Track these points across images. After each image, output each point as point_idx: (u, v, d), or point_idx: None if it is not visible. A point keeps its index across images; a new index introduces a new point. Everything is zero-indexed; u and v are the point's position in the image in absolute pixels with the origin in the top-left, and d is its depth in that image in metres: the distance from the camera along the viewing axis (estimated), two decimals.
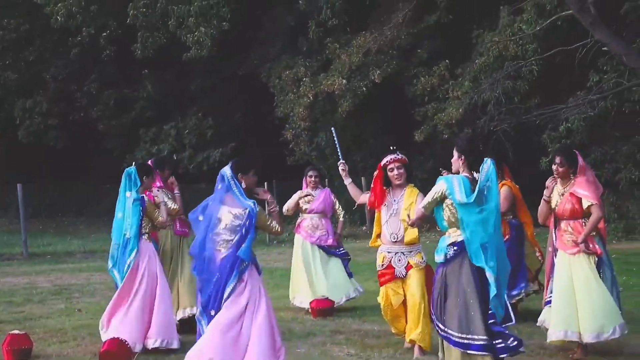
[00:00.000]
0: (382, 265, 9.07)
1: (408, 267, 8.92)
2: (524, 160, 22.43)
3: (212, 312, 7.46)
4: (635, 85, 20.11)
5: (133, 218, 9.30)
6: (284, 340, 9.72)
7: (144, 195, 9.60)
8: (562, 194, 8.78)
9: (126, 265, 9.30)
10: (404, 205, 8.86)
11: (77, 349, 9.60)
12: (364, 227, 27.71)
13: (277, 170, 29.06)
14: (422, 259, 8.99)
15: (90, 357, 9.04)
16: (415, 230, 8.78)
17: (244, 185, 7.62)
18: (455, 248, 7.22)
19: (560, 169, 8.77)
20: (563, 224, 8.80)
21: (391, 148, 8.98)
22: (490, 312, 7.15)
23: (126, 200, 9.42)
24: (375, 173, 9.16)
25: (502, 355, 7.06)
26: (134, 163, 9.86)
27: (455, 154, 7.46)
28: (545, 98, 22.49)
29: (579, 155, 8.83)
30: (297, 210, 12.68)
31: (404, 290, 9.06)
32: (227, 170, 7.69)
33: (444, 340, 7.25)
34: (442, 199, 7.27)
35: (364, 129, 29.45)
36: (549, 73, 22.48)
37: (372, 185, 9.18)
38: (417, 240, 8.97)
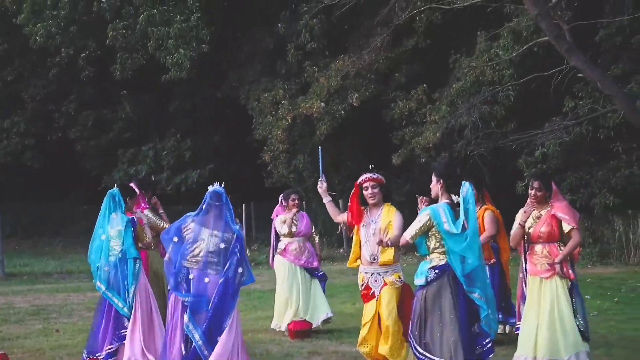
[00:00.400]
0: (362, 285, 9.03)
1: (383, 285, 8.83)
2: (500, 185, 22.62)
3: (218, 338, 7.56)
4: (609, 112, 20.38)
5: (127, 240, 9.34)
6: None
7: (134, 217, 9.66)
8: (538, 217, 8.88)
9: (132, 288, 9.33)
10: (382, 225, 8.76)
11: None
12: (342, 250, 27.79)
13: (255, 192, 29.19)
14: (400, 278, 8.88)
15: None
16: (390, 251, 8.69)
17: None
18: (436, 271, 7.35)
19: (539, 194, 8.86)
20: (538, 247, 8.86)
21: (370, 167, 9.05)
22: (478, 331, 7.32)
23: (110, 222, 9.45)
24: (352, 191, 9.13)
25: None
26: (116, 185, 9.91)
27: (434, 178, 7.61)
28: (521, 123, 22.72)
29: (552, 182, 9.01)
30: (278, 234, 12.68)
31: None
32: (221, 189, 7.80)
33: None
34: (429, 228, 7.42)
35: (342, 152, 29.59)
36: (525, 98, 22.72)
37: (349, 204, 9.21)
38: (391, 262, 8.82)
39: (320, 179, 9.39)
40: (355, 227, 8.97)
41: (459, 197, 7.46)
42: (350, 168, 29.41)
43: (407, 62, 26.30)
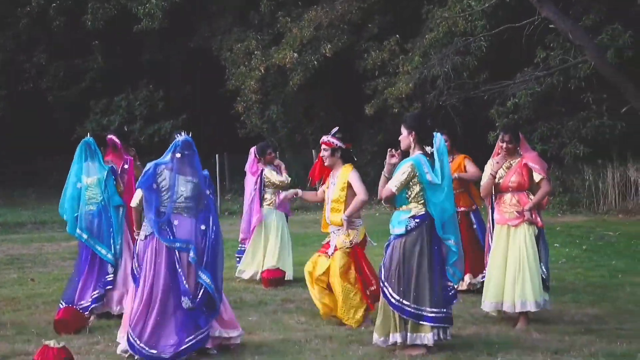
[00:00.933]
0: (324, 242, 9.48)
1: (335, 248, 9.12)
2: (472, 135, 22.79)
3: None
4: (580, 62, 20.50)
5: (110, 188, 9.42)
6: (237, 309, 10.00)
7: (112, 165, 9.71)
8: (508, 167, 9.00)
9: (119, 236, 9.45)
10: (338, 185, 9.13)
11: (32, 317, 9.71)
12: None
13: (228, 142, 29.21)
14: (349, 240, 9.05)
15: (45, 325, 9.14)
16: (338, 215, 9.01)
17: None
18: (416, 220, 7.56)
19: (510, 146, 8.97)
20: (507, 196, 8.99)
21: (334, 130, 9.29)
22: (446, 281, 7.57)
23: (86, 170, 9.50)
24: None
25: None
26: (89, 134, 9.93)
27: (405, 130, 7.73)
28: (493, 74, 22.83)
29: (519, 133, 9.14)
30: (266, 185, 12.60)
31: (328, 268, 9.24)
32: (192, 140, 7.89)
33: (393, 311, 7.54)
34: (412, 179, 7.57)
35: (315, 102, 29.66)
36: (497, 49, 22.81)
37: (314, 168, 9.57)
38: (340, 224, 9.05)
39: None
40: (323, 188, 9.35)
41: (432, 148, 7.61)
42: (323, 119, 29.47)
43: (380, 12, 26.26)
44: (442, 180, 7.56)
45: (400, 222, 7.66)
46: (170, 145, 7.89)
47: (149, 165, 7.88)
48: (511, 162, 8.99)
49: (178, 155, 7.78)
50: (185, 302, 7.61)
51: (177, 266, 7.63)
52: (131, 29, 28.07)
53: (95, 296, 9.34)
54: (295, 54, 24.94)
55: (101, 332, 8.82)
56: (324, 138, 9.26)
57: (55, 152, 30.85)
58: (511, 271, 8.76)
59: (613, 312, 9.47)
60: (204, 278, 7.70)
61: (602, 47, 19.96)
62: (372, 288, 8.92)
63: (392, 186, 7.64)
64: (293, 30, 25.18)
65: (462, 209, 10.92)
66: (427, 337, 7.49)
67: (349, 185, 9.01)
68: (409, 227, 7.58)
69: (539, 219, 8.83)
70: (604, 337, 8.18)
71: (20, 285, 12.26)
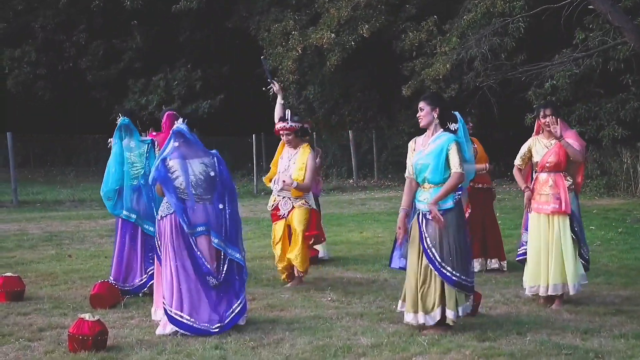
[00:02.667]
0: (272, 206, 10.22)
1: (292, 209, 10.02)
2: (509, 117, 22.74)
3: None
4: (619, 44, 20.33)
5: (152, 160, 9.50)
6: (269, 286, 10.13)
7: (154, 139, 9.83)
8: (548, 147, 8.95)
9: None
10: (298, 165, 9.99)
11: (68, 292, 9.87)
12: (351, 180, 28.04)
13: (265, 123, 29.28)
14: (307, 202, 10.11)
15: (81, 300, 9.31)
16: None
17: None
18: (459, 193, 7.67)
19: (553, 118, 8.87)
20: (543, 176, 8.96)
21: (288, 113, 10.18)
22: None
23: (128, 149, 9.66)
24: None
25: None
26: (120, 114, 10.03)
27: (428, 107, 7.76)
28: (531, 55, 22.73)
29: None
30: None
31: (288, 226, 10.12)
32: (183, 127, 7.95)
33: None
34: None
35: (352, 83, 29.70)
36: (536, 30, 22.70)
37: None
38: (301, 195, 10.03)
39: (271, 82, 10.68)
40: (277, 155, 10.35)
41: (455, 124, 7.68)
42: (360, 99, 29.57)
43: None
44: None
45: (448, 197, 7.72)
46: (170, 135, 8.00)
47: (157, 161, 7.97)
48: (550, 141, 8.94)
49: (176, 144, 7.88)
50: (211, 281, 7.76)
51: (195, 249, 7.74)
52: (169, 9, 28.28)
53: (151, 272, 9.38)
54: (333, 35, 24.97)
55: (136, 307, 8.96)
56: (284, 124, 10.09)
57: (94, 131, 31.17)
58: (547, 255, 8.76)
59: None
60: (233, 254, 7.86)
61: None
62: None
63: (460, 169, 7.61)
64: (330, 10, 25.18)
65: (484, 185, 11.13)
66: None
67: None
68: (456, 200, 7.68)
69: (570, 206, 8.76)
70: (635, 318, 8.17)
71: (58, 261, 12.45)
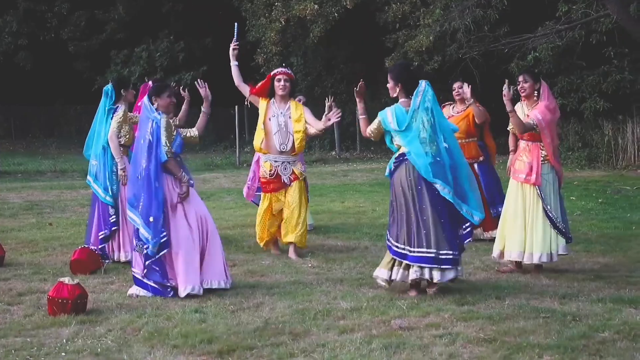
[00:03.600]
0: (270, 173, 9.86)
1: (294, 176, 9.83)
2: (492, 88, 22.67)
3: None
4: (602, 16, 20.38)
5: (107, 128, 9.54)
6: (250, 253, 10.15)
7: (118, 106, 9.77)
8: (527, 115, 8.94)
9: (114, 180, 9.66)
10: (293, 117, 9.81)
11: (49, 258, 9.87)
12: (333, 152, 28.04)
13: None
14: (302, 167, 10.12)
15: (62, 265, 9.30)
16: (303, 141, 9.84)
17: (156, 105, 8.05)
18: (395, 162, 7.80)
19: (526, 85, 8.87)
20: (522, 145, 9.00)
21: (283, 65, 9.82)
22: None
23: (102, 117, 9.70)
24: (263, 81, 10.11)
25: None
26: (110, 81, 10.07)
27: (391, 82, 7.87)
28: (514, 27, 22.71)
29: (544, 83, 8.99)
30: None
31: (285, 198, 9.91)
32: (145, 100, 8.12)
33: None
34: (382, 129, 7.93)
35: (335, 54, 29.63)
36: (519, 2, 22.65)
37: (258, 85, 10.10)
38: (302, 150, 10.03)
39: (234, 44, 10.38)
40: (263, 118, 9.87)
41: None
42: (343, 71, 29.50)
43: None
44: (428, 124, 7.69)
45: (388, 164, 7.89)
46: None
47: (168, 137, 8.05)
48: (529, 108, 8.93)
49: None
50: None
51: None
52: None
53: (101, 237, 9.53)
54: (316, 6, 24.86)
55: (116, 272, 8.98)
56: (284, 70, 10.01)
57: (76, 102, 31.03)
58: (521, 223, 8.80)
59: (624, 261, 9.52)
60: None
61: (625, 0, 19.80)
62: None
63: (368, 130, 8.08)
64: None
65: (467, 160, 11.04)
66: (408, 273, 7.77)
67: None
68: (391, 168, 7.89)
69: (540, 177, 8.79)
70: (613, 283, 8.24)
71: (39, 229, 12.43)
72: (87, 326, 6.76)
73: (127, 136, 9.59)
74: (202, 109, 8.47)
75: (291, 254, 9.89)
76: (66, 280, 7.25)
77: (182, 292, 7.76)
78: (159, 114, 8.02)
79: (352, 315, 7.04)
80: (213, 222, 8.22)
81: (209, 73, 29.55)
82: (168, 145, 7.90)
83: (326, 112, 9.51)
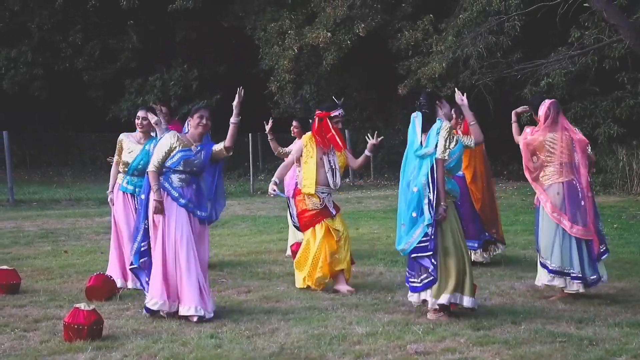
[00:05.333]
0: (321, 204, 9.69)
1: (335, 207, 9.85)
2: (505, 115, 22.71)
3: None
4: (615, 42, 20.41)
5: None
6: (265, 279, 10.15)
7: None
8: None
9: None
10: (338, 156, 9.86)
11: (64, 285, 9.89)
12: (347, 179, 28.04)
13: (261, 122, 29.31)
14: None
15: (77, 292, 9.32)
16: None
17: (190, 127, 8.35)
18: None
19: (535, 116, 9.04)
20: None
21: (336, 101, 9.71)
22: None
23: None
24: (321, 122, 9.73)
25: None
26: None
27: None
28: (526, 53, 22.80)
29: (544, 105, 9.01)
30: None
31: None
32: None
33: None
34: None
35: (348, 82, 29.73)
36: (531, 29, 22.73)
37: (329, 132, 9.69)
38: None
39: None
40: (312, 155, 9.71)
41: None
42: (356, 98, 29.58)
43: None
44: None
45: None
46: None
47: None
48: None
49: None
50: None
51: None
52: (165, 8, 28.29)
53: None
54: (329, 34, 25.02)
55: (131, 299, 8.98)
56: (341, 111, 9.78)
57: (90, 131, 31.17)
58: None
59: None
60: None
61: (638, 26, 19.84)
62: None
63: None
64: (327, 9, 25.24)
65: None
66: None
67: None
68: None
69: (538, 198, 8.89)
70: (629, 308, 8.23)
71: (54, 256, 12.45)
72: (103, 352, 6.78)
73: None
74: (231, 119, 8.38)
75: (342, 285, 9.53)
76: (82, 306, 7.28)
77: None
78: (166, 130, 8.39)
79: (368, 340, 7.04)
80: (191, 247, 8.05)
81: (223, 101, 29.69)
82: (157, 159, 8.12)
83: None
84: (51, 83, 33.61)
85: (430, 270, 7.72)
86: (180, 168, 8.12)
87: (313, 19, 26.48)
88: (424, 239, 7.72)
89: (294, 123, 12.80)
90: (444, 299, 7.74)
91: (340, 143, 9.78)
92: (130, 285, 9.63)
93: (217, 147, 8.34)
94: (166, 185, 8.12)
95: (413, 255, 7.83)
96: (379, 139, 9.61)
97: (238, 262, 11.60)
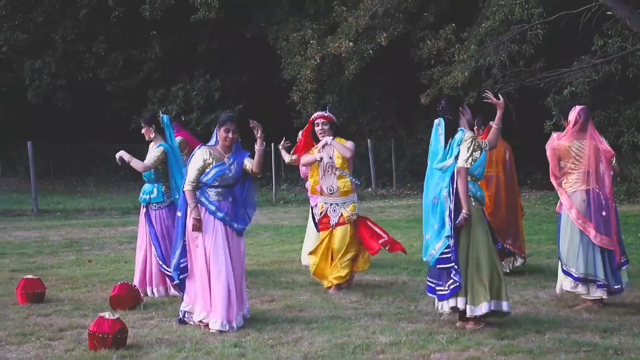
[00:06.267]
0: (321, 213, 9.94)
1: (341, 219, 9.83)
2: (528, 124, 22.72)
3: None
4: (638, 50, 20.30)
5: None
6: (288, 289, 10.16)
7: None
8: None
9: None
10: (336, 160, 9.85)
11: (88, 295, 9.94)
12: (370, 189, 28.02)
13: (284, 132, 29.37)
14: (355, 210, 9.98)
15: (101, 301, 9.37)
16: (348, 182, 9.84)
17: (216, 138, 8.36)
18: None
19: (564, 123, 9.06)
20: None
21: (326, 106, 9.90)
22: None
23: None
24: (305, 127, 10.30)
25: None
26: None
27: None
28: (549, 62, 22.71)
29: (574, 110, 8.96)
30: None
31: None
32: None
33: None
34: None
35: (370, 91, 29.75)
36: (554, 37, 22.68)
37: (299, 137, 10.23)
38: (351, 192, 9.94)
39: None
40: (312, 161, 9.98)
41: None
42: (379, 108, 29.59)
43: (436, 1, 26.30)
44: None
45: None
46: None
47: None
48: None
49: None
50: None
51: None
52: (188, 18, 28.43)
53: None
54: (351, 43, 25.03)
55: (155, 308, 9.02)
56: (323, 113, 10.07)
57: (113, 141, 31.22)
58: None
59: None
60: None
61: None
62: (384, 239, 10.06)
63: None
64: (349, 19, 25.28)
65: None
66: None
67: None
68: None
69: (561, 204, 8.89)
70: None
71: (78, 266, 12.52)
72: None
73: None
74: (255, 147, 8.33)
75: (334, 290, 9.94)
76: (106, 315, 7.32)
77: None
78: (201, 146, 8.30)
79: (392, 350, 7.04)
80: (223, 260, 8.06)
81: (245, 111, 29.78)
82: (192, 177, 8.14)
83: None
84: (75, 93, 33.84)
85: (453, 276, 7.66)
86: (217, 183, 8.17)
87: (335, 29, 26.52)
88: (446, 250, 7.69)
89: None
90: (484, 308, 7.66)
91: (299, 145, 10.31)
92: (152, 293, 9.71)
93: (247, 164, 8.35)
94: (202, 199, 8.16)
95: (438, 266, 7.79)
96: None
97: (261, 272, 11.63)
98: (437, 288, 7.85)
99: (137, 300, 9.18)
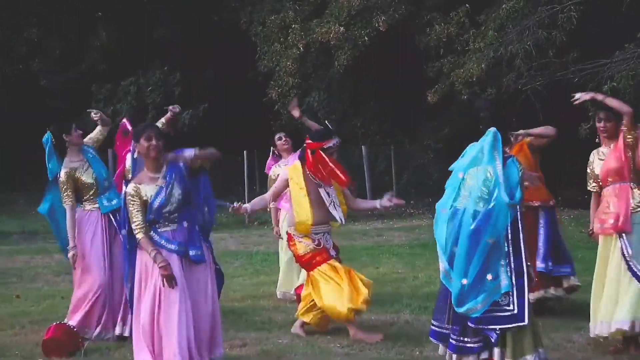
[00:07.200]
0: (315, 248, 9.81)
1: (334, 246, 10.03)
2: (560, 126, 22.68)
3: None
4: None
5: None
6: (265, 330, 10.13)
7: None
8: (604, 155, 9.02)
9: None
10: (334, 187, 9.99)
11: (16, 339, 9.91)
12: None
13: (259, 137, 29.37)
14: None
15: (32, 347, 9.31)
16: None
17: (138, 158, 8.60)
18: None
19: (608, 125, 8.95)
20: (607, 191, 9.00)
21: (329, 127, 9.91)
22: None
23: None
24: (314, 154, 9.91)
25: None
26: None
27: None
28: (586, 52, 22.74)
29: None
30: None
31: None
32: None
33: None
34: None
35: (364, 87, 29.76)
36: (591, 21, 22.72)
37: (327, 166, 9.81)
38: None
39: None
40: (302, 188, 9.89)
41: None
42: (375, 108, 29.51)
43: None
44: None
45: None
46: None
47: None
48: (610, 147, 8.95)
49: None
50: None
51: None
52: None
53: None
54: (342, 28, 25.03)
55: (99, 354, 8.97)
56: (337, 141, 10.15)
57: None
58: (612, 286, 8.74)
59: None
60: None
61: None
62: None
63: None
64: None
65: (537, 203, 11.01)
66: None
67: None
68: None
69: (629, 223, 8.77)
70: None
71: (4, 302, 12.49)
72: None
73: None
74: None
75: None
76: None
77: None
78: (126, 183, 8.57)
79: None
80: (175, 302, 7.74)
81: (211, 112, 29.77)
82: (138, 222, 7.83)
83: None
84: (7, 89, 33.64)
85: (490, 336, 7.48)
86: (166, 215, 7.84)
87: (322, 10, 26.51)
88: (496, 307, 7.41)
89: (282, 138, 12.75)
90: None
91: (342, 177, 9.90)
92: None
93: (187, 157, 7.96)
94: (152, 234, 7.83)
95: (480, 326, 7.43)
96: (398, 202, 9.86)
97: (230, 310, 11.58)
98: (463, 341, 7.49)
99: (76, 345, 9.12)
